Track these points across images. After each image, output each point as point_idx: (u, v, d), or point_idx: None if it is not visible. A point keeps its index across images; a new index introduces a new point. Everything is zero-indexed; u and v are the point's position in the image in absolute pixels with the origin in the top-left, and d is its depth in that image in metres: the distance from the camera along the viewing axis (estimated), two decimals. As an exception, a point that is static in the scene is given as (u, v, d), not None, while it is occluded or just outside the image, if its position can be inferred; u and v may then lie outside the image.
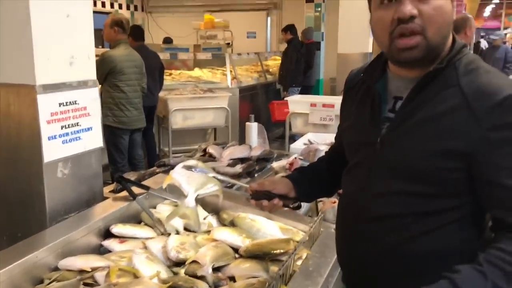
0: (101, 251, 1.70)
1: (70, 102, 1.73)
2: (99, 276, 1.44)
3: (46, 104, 1.64)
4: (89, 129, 1.83)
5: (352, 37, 6.18)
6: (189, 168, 1.29)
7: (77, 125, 1.77)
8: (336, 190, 1.42)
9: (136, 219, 1.89)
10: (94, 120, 1.85)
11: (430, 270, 1.03)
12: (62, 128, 1.71)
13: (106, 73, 3.95)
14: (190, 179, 1.27)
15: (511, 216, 0.95)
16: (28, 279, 1.44)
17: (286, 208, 1.41)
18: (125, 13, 11.03)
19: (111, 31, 4.09)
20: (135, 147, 4.42)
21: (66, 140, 1.74)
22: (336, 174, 1.32)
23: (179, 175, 1.27)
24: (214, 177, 1.32)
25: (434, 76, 1.02)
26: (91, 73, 1.84)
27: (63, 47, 1.70)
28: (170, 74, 6.63)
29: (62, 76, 1.70)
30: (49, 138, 1.66)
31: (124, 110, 4.08)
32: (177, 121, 5.48)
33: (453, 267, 0.95)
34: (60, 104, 1.69)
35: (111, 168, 4.18)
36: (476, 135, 0.94)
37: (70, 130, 1.75)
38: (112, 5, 10.72)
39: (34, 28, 1.56)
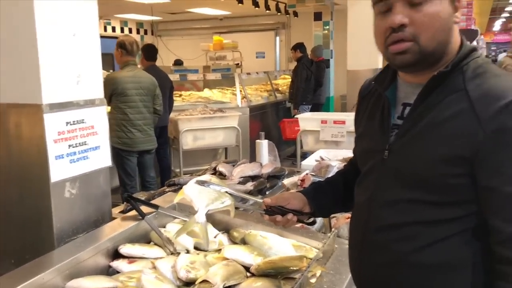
0: (110, 272, 1.66)
1: (77, 121, 1.72)
2: (107, 297, 1.40)
3: (53, 123, 1.63)
4: (96, 147, 1.81)
5: (361, 53, 6.16)
6: (202, 183, 1.26)
7: (85, 144, 1.75)
8: (353, 204, 1.38)
9: (145, 239, 1.85)
10: (102, 139, 1.83)
11: (440, 281, 1.00)
12: (69, 147, 1.69)
13: (109, 94, 3.98)
14: (202, 194, 1.24)
15: (510, 226, 0.91)
16: (35, 302, 1.40)
17: (300, 224, 1.37)
18: (135, 37, 11.21)
19: (117, 53, 4.15)
20: (146, 168, 4.39)
21: (74, 159, 1.72)
22: (352, 188, 1.28)
23: (190, 190, 1.24)
24: (227, 192, 1.28)
25: (440, 80, 1.00)
26: (99, 92, 1.83)
27: (69, 66, 1.69)
28: (180, 95, 6.66)
29: (69, 95, 1.69)
30: (56, 158, 1.64)
31: (126, 132, 4.06)
32: (187, 142, 5.49)
33: None
34: (67, 123, 1.68)
35: (121, 189, 4.17)
36: (479, 139, 0.92)
37: (78, 149, 1.73)
38: (122, 30, 10.92)
39: (40, 47, 1.55)
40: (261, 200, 1.34)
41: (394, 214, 1.05)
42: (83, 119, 1.74)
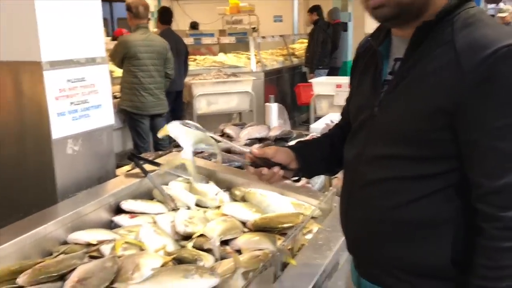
0: (112, 226, 1.71)
1: (77, 79, 1.73)
2: (105, 249, 1.45)
3: (54, 80, 1.64)
4: (98, 106, 1.83)
5: (379, 15, 5.97)
6: (186, 124, 1.24)
7: (86, 102, 1.77)
8: (338, 170, 1.36)
9: (148, 196, 1.89)
10: (103, 97, 1.85)
11: (422, 237, 0.99)
12: (71, 105, 1.72)
13: (121, 57, 3.98)
14: (187, 134, 1.22)
15: (490, 181, 0.89)
16: (38, 252, 1.46)
17: (301, 183, 1.31)
18: (152, 1, 11.09)
19: (128, 17, 4.12)
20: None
21: (76, 116, 1.74)
22: (339, 152, 1.25)
23: (175, 129, 1.22)
24: (212, 137, 1.26)
25: (427, 33, 0.97)
26: (100, 50, 1.83)
27: (69, 23, 1.69)
28: (195, 60, 6.62)
29: (69, 52, 1.70)
30: (58, 115, 1.67)
31: (138, 96, 4.07)
32: (201, 107, 5.48)
33: None
34: (68, 81, 1.70)
35: (135, 152, 4.22)
36: (461, 91, 0.88)
37: (79, 107, 1.75)
38: (138, -6, 10.79)
39: (37, 3, 1.55)
40: (247, 151, 1.27)
41: (378, 170, 1.03)
42: (83, 77, 1.75)
